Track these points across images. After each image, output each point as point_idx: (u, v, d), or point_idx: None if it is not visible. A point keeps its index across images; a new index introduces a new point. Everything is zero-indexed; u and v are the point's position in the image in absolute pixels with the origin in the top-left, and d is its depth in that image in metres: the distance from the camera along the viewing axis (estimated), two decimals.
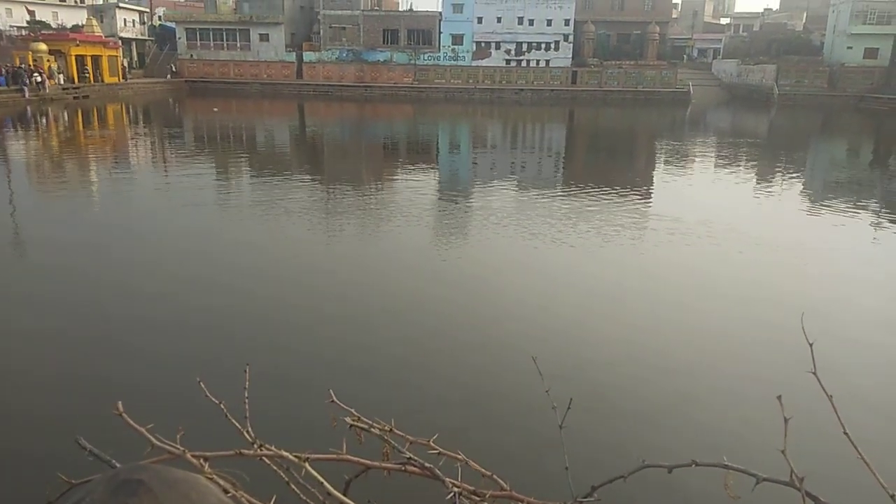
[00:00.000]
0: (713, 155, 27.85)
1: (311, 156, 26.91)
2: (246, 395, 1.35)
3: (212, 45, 64.18)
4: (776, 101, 57.01)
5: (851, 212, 15.88)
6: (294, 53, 63.73)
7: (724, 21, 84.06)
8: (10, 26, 58.83)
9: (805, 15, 74.93)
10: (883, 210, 16.74)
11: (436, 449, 1.32)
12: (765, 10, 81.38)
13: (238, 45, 64.08)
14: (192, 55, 64.15)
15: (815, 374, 1.32)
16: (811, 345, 1.34)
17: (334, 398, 1.43)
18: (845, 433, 1.30)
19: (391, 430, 1.34)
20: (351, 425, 1.22)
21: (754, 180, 21.55)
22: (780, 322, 8.36)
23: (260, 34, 63.62)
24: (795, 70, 59.85)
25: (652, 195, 18.34)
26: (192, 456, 0.97)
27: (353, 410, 1.37)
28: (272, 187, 17.95)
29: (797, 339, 1.41)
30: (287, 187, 17.87)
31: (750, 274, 10.70)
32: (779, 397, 1.26)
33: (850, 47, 59.67)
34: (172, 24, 66.02)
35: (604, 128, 41.66)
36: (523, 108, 52.67)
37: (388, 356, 7.29)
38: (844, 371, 7.04)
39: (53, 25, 60.47)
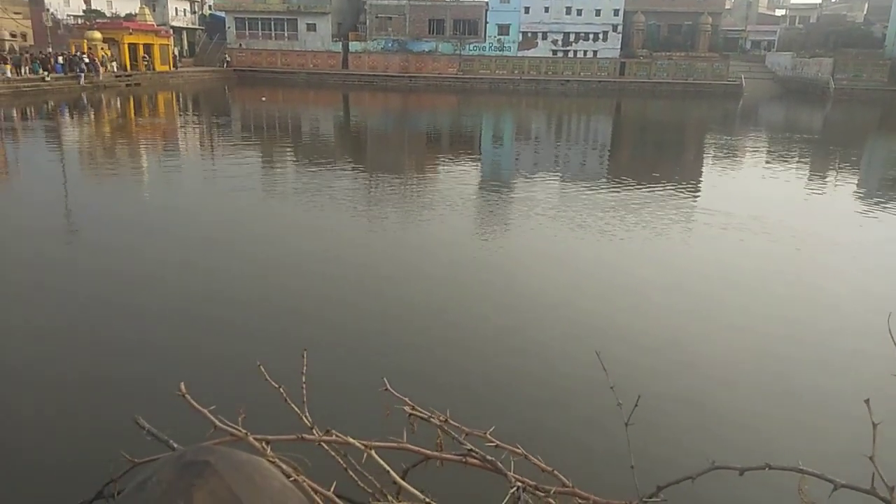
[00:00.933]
0: (765, 150, 27.06)
1: (356, 145, 27.09)
2: (304, 380, 1.34)
3: (260, 34, 65.07)
4: (832, 96, 55.04)
5: None
6: (340, 43, 64.14)
7: (779, 12, 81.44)
8: (68, 15, 60.67)
9: (866, 6, 72.03)
10: None
11: (493, 441, 1.28)
12: (823, 0, 78.58)
13: (286, 34, 64.81)
14: (240, 44, 65.16)
15: None
16: None
17: (389, 387, 1.40)
18: None
19: (447, 420, 1.31)
20: (410, 414, 1.19)
21: (808, 176, 20.86)
22: (854, 323, 8.08)
23: (307, 24, 64.19)
24: (854, 63, 57.60)
25: (702, 189, 17.92)
26: (255, 439, 0.96)
27: (408, 399, 1.34)
28: (317, 175, 18.11)
29: (877, 340, 1.33)
30: (332, 175, 18.01)
31: (812, 272, 10.37)
32: (866, 401, 1.18)
33: None
34: (222, 14, 67.12)
35: (652, 120, 40.86)
36: (569, 99, 52.01)
37: (434, 353, 7.26)
38: None
39: (108, 14, 62.17)
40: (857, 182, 20.61)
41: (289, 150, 23.81)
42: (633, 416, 1.36)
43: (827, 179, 20.52)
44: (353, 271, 9.99)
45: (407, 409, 1.23)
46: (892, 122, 42.68)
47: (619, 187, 17.22)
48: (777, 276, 10.16)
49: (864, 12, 71.02)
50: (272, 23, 64.82)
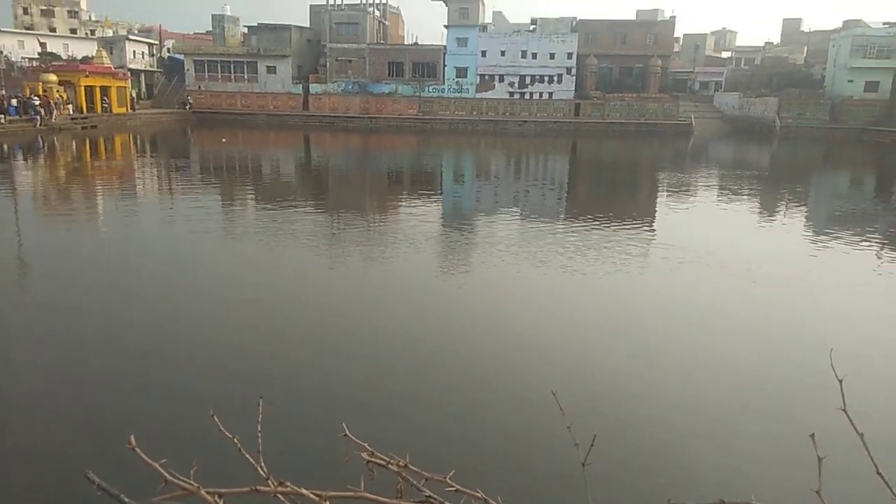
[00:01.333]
0: (716, 186, 27.92)
1: (317, 185, 27.06)
2: (259, 429, 1.31)
3: (219, 76, 65.10)
4: (778, 134, 57.32)
5: (856, 244, 15.83)
6: (300, 85, 64.53)
7: (725, 55, 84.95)
8: (22, 58, 59.81)
9: (806, 49, 75.75)
10: (887, 243, 16.69)
11: (453, 486, 1.27)
12: (766, 43, 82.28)
13: (246, 76, 64.97)
14: (199, 86, 65.02)
15: (845, 411, 1.28)
16: (841, 381, 1.30)
17: (347, 433, 1.39)
18: (878, 473, 1.26)
19: (406, 465, 1.30)
20: (368, 461, 1.18)
21: (759, 212, 21.56)
22: (799, 356, 8.28)
23: (267, 66, 64.51)
24: (797, 103, 60.31)
25: (658, 225, 18.34)
26: (207, 493, 0.94)
27: (366, 445, 1.33)
28: (279, 215, 18.00)
29: (820, 374, 1.38)
30: (293, 215, 17.94)
31: (764, 305, 10.63)
32: (812, 436, 1.22)
33: (851, 81, 60.20)
34: (181, 56, 67.05)
35: (607, 159, 41.87)
36: (527, 139, 53.04)
37: (397, 392, 7.20)
38: (871, 407, 6.94)
39: (64, 57, 61.43)
40: (805, 216, 21.38)
41: (249, 190, 23.66)
42: (591, 455, 1.37)
43: (777, 214, 21.23)
44: (315, 311, 9.89)
45: (365, 455, 1.22)
46: (835, 158, 44.58)
47: (578, 224, 17.52)
48: (733, 311, 10.39)
49: (804, 55, 74.64)
50: (232, 65, 64.98)
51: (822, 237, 16.98)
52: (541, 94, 63.10)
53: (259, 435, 1.27)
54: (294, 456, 5.43)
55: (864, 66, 59.60)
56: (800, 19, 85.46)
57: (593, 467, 1.29)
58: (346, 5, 65.86)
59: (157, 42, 72.35)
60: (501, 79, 63.25)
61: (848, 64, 60.06)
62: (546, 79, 62.87)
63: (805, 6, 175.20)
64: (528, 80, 63.02)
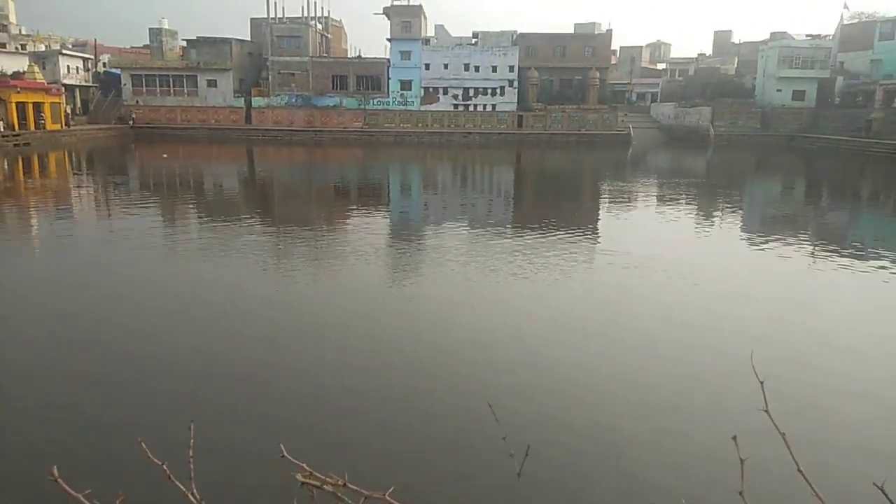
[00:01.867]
0: (655, 194, 28.71)
1: (262, 199, 26.63)
2: (191, 454, 1.28)
3: (158, 91, 63.53)
4: (712, 142, 59.38)
5: (788, 244, 16.50)
6: (242, 99, 63.54)
7: (660, 66, 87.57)
8: None
9: (736, 59, 78.77)
10: (817, 243, 17.45)
11: (392, 503, 1.27)
12: (698, 55, 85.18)
13: (185, 90, 63.61)
14: (137, 101, 63.31)
15: (766, 412, 1.34)
16: (762, 382, 1.36)
17: (285, 453, 1.37)
18: (800, 471, 1.31)
19: (345, 484, 1.29)
20: (302, 483, 1.17)
21: (697, 217, 22.26)
22: (733, 358, 8.54)
23: (208, 80, 63.31)
24: (729, 112, 62.72)
25: (602, 232, 18.72)
26: None
27: (304, 465, 1.31)
28: (223, 231, 17.63)
29: (751, 376, 1.43)
30: (238, 231, 17.59)
31: (705, 310, 10.95)
32: (734, 438, 1.27)
33: (780, 90, 62.95)
34: (117, 71, 65.17)
35: (550, 169, 42.58)
36: (472, 150, 53.49)
37: (339, 409, 7.12)
38: (799, 403, 7.20)
39: None
40: (740, 220, 22.18)
41: (192, 206, 23.11)
42: (526, 464, 1.39)
43: (715, 219, 21.96)
44: (258, 327, 9.70)
45: (300, 476, 1.21)
46: (766, 164, 46.46)
47: (524, 233, 17.74)
48: (676, 316, 10.68)
49: (735, 65, 77.64)
50: (171, 79, 63.51)
51: (757, 240, 17.64)
52: (484, 107, 63.80)
53: (191, 461, 1.24)
54: (229, 480, 5.31)
55: (791, 75, 62.42)
56: (730, 31, 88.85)
57: (529, 476, 1.31)
58: (287, 18, 65.30)
59: (91, 56, 70.03)
60: (445, 91, 63.70)
61: (776, 74, 62.80)
62: (489, 91, 63.64)
63: (734, 19, 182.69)
64: (471, 92, 63.65)
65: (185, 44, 65.84)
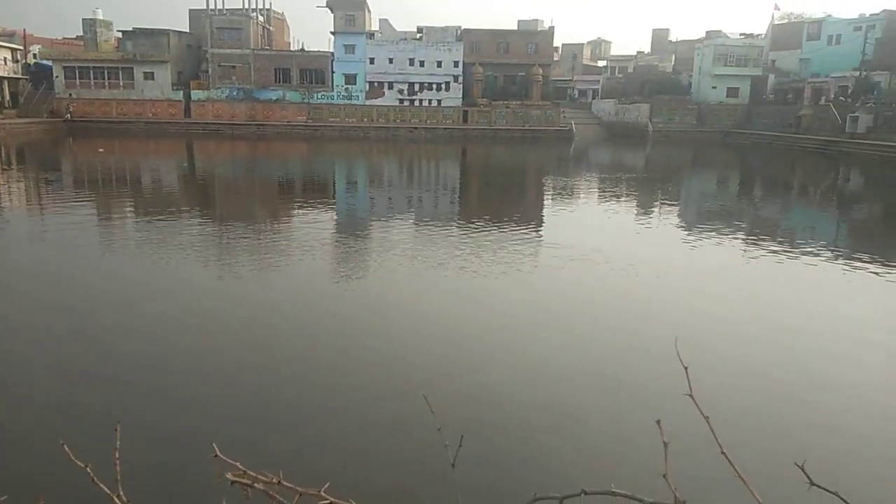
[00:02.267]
0: (597, 188, 29.31)
1: (204, 195, 25.97)
2: (117, 455, 1.25)
3: (92, 83, 61.13)
4: (651, 138, 60.99)
5: (722, 235, 17.10)
6: (181, 92, 61.75)
7: (601, 63, 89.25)
8: None
9: (674, 57, 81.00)
10: (750, 234, 18.14)
11: (327, 499, 1.27)
12: (637, 52, 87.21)
13: (121, 83, 61.43)
14: (70, 94, 60.75)
15: (691, 396, 1.39)
16: (686, 368, 1.41)
17: (218, 452, 1.35)
18: (723, 453, 1.37)
19: (279, 482, 1.29)
20: (232, 481, 1.15)
21: (637, 210, 22.84)
22: (663, 347, 8.80)
23: (145, 72, 61.28)
24: (667, 108, 64.53)
25: (546, 226, 18.98)
26: None
27: (238, 465, 1.30)
28: (163, 227, 17.12)
29: (677, 363, 1.49)
30: (179, 227, 17.11)
31: (647, 297, 11.25)
32: (658, 422, 1.31)
33: (715, 87, 65.08)
34: (49, 63, 62.39)
35: (496, 164, 42.94)
36: (417, 145, 53.45)
37: (275, 403, 7.04)
38: (724, 387, 7.48)
39: None
40: (678, 213, 22.87)
41: (129, 202, 22.36)
42: (461, 455, 1.41)
43: (654, 212, 22.57)
44: (200, 320, 9.48)
45: (230, 476, 1.19)
46: (702, 159, 48.01)
47: (471, 227, 17.85)
48: (615, 303, 10.95)
49: (673, 63, 79.83)
50: (106, 71, 61.19)
51: (693, 233, 18.22)
52: (430, 102, 63.79)
53: (117, 462, 1.21)
54: (160, 482, 5.19)
55: (726, 73, 64.61)
56: (667, 30, 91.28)
57: (463, 466, 1.33)
58: (227, 10, 63.72)
59: (21, 47, 66.78)
60: (391, 86, 63.39)
61: (711, 71, 64.87)
62: (434, 86, 63.65)
63: (672, 17, 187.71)
64: (416, 87, 63.54)
65: (120, 35, 63.47)
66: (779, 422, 6.90)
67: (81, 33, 65.18)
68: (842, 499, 1.45)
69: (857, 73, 53.76)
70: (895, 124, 45.29)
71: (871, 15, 59.32)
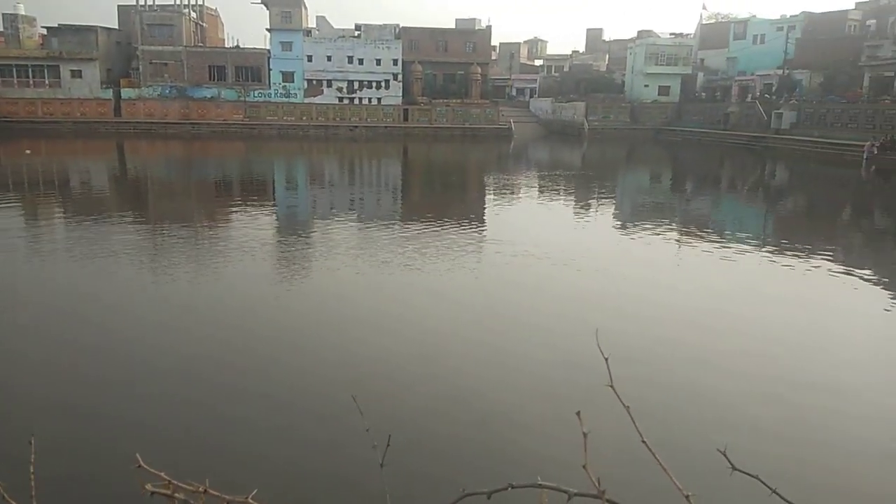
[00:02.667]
0: (537, 185, 29.75)
1: (136, 196, 25.07)
2: (32, 470, 1.21)
3: (15, 82, 58.19)
4: (587, 135, 62.30)
5: (656, 228, 17.63)
6: (111, 90, 59.47)
7: (538, 62, 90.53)
8: None
9: (607, 57, 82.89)
10: (682, 227, 18.76)
11: None
12: (573, 52, 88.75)
13: (47, 81, 58.69)
14: None
15: (612, 387, 1.44)
16: (607, 359, 1.46)
17: (141, 463, 1.32)
18: (643, 441, 1.42)
19: (206, 490, 1.27)
20: (153, 492, 1.13)
21: (576, 207, 23.31)
22: (591, 339, 9.02)
23: (72, 70, 58.73)
24: (602, 106, 66.06)
25: (489, 223, 19.13)
26: None
27: (163, 474, 1.28)
28: (92, 230, 16.45)
29: (598, 355, 1.54)
30: (110, 229, 16.47)
31: (587, 293, 11.49)
32: (577, 413, 1.35)
33: (647, 85, 66.97)
34: None
35: (437, 162, 43.04)
36: (358, 144, 53.06)
37: (205, 407, 6.90)
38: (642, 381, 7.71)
39: None
40: (614, 208, 23.47)
41: (57, 205, 21.41)
42: (390, 455, 1.42)
43: (591, 208, 23.08)
44: (128, 325, 9.16)
45: (148, 487, 1.17)
46: (636, 155, 49.37)
47: (414, 225, 17.84)
48: (559, 303, 11.15)
49: (607, 62, 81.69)
50: (30, 69, 58.33)
51: (628, 226, 18.72)
52: (370, 100, 63.41)
53: (32, 476, 1.17)
54: (79, 495, 5.01)
55: (657, 72, 66.57)
56: (601, 30, 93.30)
57: (392, 466, 1.35)
58: (158, 6, 61.69)
59: None
60: (330, 84, 62.70)
61: (643, 70, 66.73)
62: (374, 84, 63.30)
63: (605, 17, 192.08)
64: (356, 85, 63.04)
65: (45, 31, 60.59)
66: (702, 409, 7.16)
67: (2, 29, 61.97)
68: (762, 482, 1.50)
69: (781, 72, 56.22)
70: (817, 120, 47.60)
71: (791, 16, 62.15)
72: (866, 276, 13.28)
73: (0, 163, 36.09)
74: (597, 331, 1.74)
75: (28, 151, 39.48)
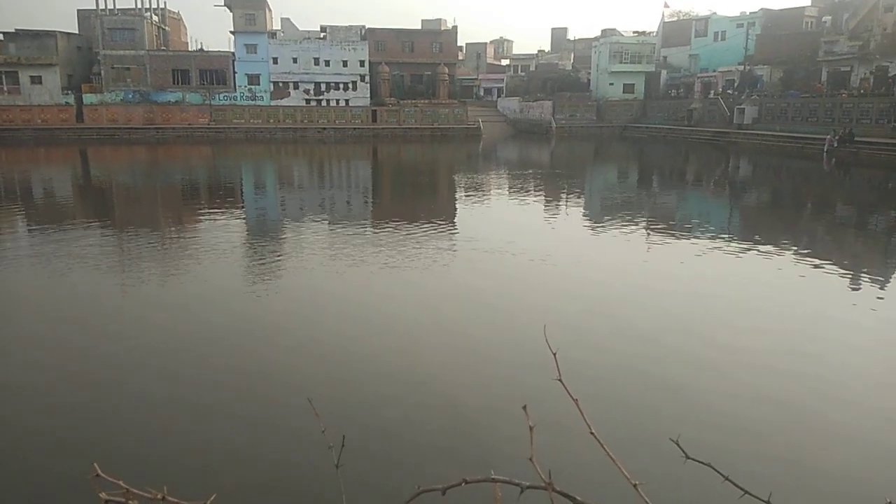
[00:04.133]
0: (507, 184, 29.90)
1: (100, 203, 24.59)
2: None
3: None
4: (554, 134, 62.81)
5: (624, 223, 17.87)
6: (72, 96, 58.29)
7: (504, 62, 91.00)
8: None
9: (573, 55, 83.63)
10: (650, 225, 19.02)
11: None
12: (539, 51, 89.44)
13: (5, 88, 57.38)
14: None
15: (560, 380, 1.49)
16: (555, 354, 1.51)
17: (99, 472, 1.34)
18: (592, 433, 1.47)
19: (164, 497, 1.29)
20: (106, 500, 1.14)
21: (546, 204, 23.49)
22: (552, 333, 9.13)
23: (31, 76, 57.48)
24: (568, 105, 66.67)
25: (461, 222, 19.09)
26: None
27: (121, 482, 1.29)
28: (56, 238, 16.09)
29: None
30: (75, 237, 16.12)
31: (561, 291, 11.59)
32: (524, 407, 1.40)
33: (612, 83, 67.76)
34: None
35: (407, 163, 42.99)
36: (327, 146, 52.75)
37: (161, 412, 6.84)
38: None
39: None
40: (583, 205, 23.71)
41: (18, 213, 20.91)
42: (345, 456, 1.45)
43: (561, 205, 23.28)
44: (97, 336, 9.01)
45: (103, 496, 1.19)
46: (603, 153, 49.90)
47: (388, 225, 17.82)
48: (532, 299, 11.24)
49: (572, 61, 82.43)
50: None
51: (599, 222, 18.95)
52: (338, 101, 63.13)
53: None
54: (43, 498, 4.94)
55: (622, 70, 67.40)
56: (566, 28, 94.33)
57: (347, 467, 1.38)
58: (119, 10, 60.63)
59: None
60: (296, 86, 62.27)
61: (608, 68, 67.50)
62: (341, 86, 63.03)
63: (569, 16, 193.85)
64: (323, 87, 62.71)
65: (1, 37, 59.16)
66: (655, 400, 7.28)
67: None
68: (715, 470, 1.55)
69: (742, 68, 57.31)
70: (778, 115, 48.65)
71: (750, 13, 63.40)
72: (831, 264, 13.63)
73: None
74: (545, 326, 1.78)
75: None
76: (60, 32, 59.52)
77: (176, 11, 70.46)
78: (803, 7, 60.40)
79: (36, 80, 57.69)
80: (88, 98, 58.69)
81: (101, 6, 59.41)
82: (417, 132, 61.23)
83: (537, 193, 26.45)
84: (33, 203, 24.42)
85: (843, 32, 51.70)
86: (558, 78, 72.65)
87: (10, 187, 28.74)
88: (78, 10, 64.33)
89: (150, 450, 6.03)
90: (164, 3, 66.19)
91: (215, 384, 7.55)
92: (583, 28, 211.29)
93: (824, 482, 5.84)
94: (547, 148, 52.78)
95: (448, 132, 61.47)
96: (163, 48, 63.29)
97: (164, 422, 6.65)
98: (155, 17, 63.33)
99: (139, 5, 61.34)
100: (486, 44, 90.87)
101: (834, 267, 13.53)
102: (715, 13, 67.49)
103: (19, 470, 5.63)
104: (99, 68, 59.69)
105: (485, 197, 25.48)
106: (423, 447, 6.18)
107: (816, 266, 13.47)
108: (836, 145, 38.97)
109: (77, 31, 63.12)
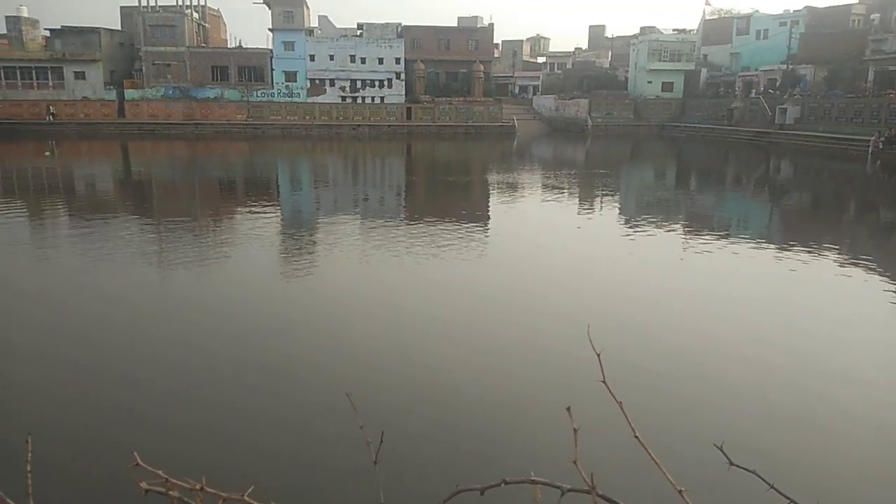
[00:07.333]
0: (541, 182, 29.68)
1: (142, 196, 25.09)
2: (28, 469, 1.22)
3: (19, 83, 58.47)
4: (590, 132, 62.16)
5: (661, 225, 17.59)
6: (114, 91, 59.67)
7: (540, 60, 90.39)
8: None
9: (610, 53, 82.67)
10: (688, 226, 18.70)
11: (251, 503, 1.28)
12: (576, 49, 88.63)
13: (51, 83, 58.95)
14: None
15: (604, 382, 1.44)
16: (599, 355, 1.46)
17: (139, 461, 1.34)
18: (636, 437, 1.42)
19: (202, 488, 1.28)
20: (147, 490, 1.14)
21: (579, 202, 23.26)
22: (590, 333, 9.02)
23: (75, 72, 58.95)
24: (605, 103, 65.92)
25: (494, 222, 18.99)
26: None
27: (160, 472, 1.29)
28: (100, 229, 16.49)
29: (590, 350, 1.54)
30: (118, 228, 16.50)
31: (597, 293, 11.47)
32: (568, 409, 1.36)
33: (650, 82, 66.80)
34: None
35: (441, 160, 42.99)
36: (362, 143, 53.06)
37: (205, 404, 6.92)
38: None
39: None
40: (619, 205, 23.40)
41: (61, 205, 21.47)
42: (382, 452, 1.43)
43: (595, 204, 23.03)
44: (131, 334, 9.20)
45: (143, 485, 1.18)
46: (640, 152, 49.21)
47: (421, 224, 17.83)
48: (557, 298, 11.14)
49: (609, 59, 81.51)
50: (34, 71, 58.56)
51: (636, 223, 18.68)
52: (373, 99, 63.43)
53: (29, 475, 1.18)
54: (77, 494, 5.01)
55: (660, 68, 66.39)
56: (603, 26, 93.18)
57: (386, 463, 1.36)
58: (160, 7, 61.85)
59: None
60: (332, 83, 62.73)
61: (646, 66, 66.55)
62: (377, 83, 63.30)
63: (607, 14, 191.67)
64: (359, 84, 63.06)
65: (48, 34, 60.81)
66: (698, 405, 7.13)
67: (5, 32, 62.18)
68: (760, 477, 1.50)
69: (784, 67, 55.99)
70: (821, 115, 47.42)
71: (794, 11, 61.87)
72: (873, 270, 13.23)
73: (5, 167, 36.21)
74: (588, 326, 1.74)
75: (47, 154, 39.97)
76: (104, 29, 60.93)
77: (216, 9, 71.67)
78: (850, 4, 58.68)
79: (80, 76, 59.15)
80: (130, 93, 59.97)
81: (144, 3, 60.65)
82: (452, 130, 61.21)
83: (572, 192, 26.22)
84: (77, 195, 25.02)
85: (893, 30, 50.11)
86: (595, 76, 71.91)
87: (54, 180, 29.44)
88: (121, 8, 65.76)
89: (185, 446, 6.09)
90: (205, 0, 67.28)
91: (247, 382, 7.62)
92: (621, 26, 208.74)
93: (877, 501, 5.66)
94: (582, 146, 52.28)
95: (482, 130, 61.32)
96: (202, 45, 64.34)
97: (200, 418, 6.72)
98: (195, 15, 64.43)
99: (180, 3, 62.47)
100: (522, 41, 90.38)
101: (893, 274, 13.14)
102: (757, 11, 66.03)
103: (58, 467, 5.76)
104: (140, 64, 60.96)
105: (519, 196, 25.33)
106: (459, 449, 6.13)
107: (868, 273, 13.07)
108: (881, 147, 37.81)
109: (120, 28, 64.53)
